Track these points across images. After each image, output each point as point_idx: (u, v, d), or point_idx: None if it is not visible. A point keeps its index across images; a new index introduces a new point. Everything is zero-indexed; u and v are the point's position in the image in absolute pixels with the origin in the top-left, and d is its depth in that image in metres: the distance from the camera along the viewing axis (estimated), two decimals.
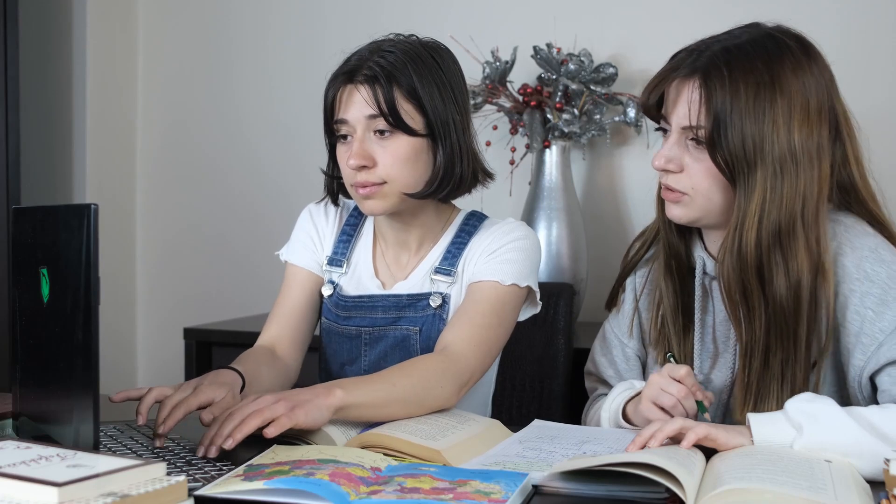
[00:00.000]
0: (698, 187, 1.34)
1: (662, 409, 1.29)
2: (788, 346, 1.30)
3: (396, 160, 1.46)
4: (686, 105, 1.32)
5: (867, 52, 2.35)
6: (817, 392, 1.32)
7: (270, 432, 1.19)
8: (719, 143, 1.29)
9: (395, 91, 1.44)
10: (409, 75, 1.44)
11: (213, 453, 1.18)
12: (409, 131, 1.45)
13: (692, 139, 1.33)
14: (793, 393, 1.30)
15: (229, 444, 1.17)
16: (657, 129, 1.42)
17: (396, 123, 1.44)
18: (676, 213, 1.38)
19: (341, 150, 1.50)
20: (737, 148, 1.28)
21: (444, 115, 1.48)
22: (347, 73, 1.47)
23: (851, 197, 1.37)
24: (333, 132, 1.51)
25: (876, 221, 1.37)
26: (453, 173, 1.50)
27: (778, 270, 1.29)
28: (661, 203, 1.44)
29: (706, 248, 1.44)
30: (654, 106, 1.40)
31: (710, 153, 1.30)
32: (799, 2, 2.37)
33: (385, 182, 1.47)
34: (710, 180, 1.32)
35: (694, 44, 1.36)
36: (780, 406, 1.29)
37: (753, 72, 1.28)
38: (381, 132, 1.46)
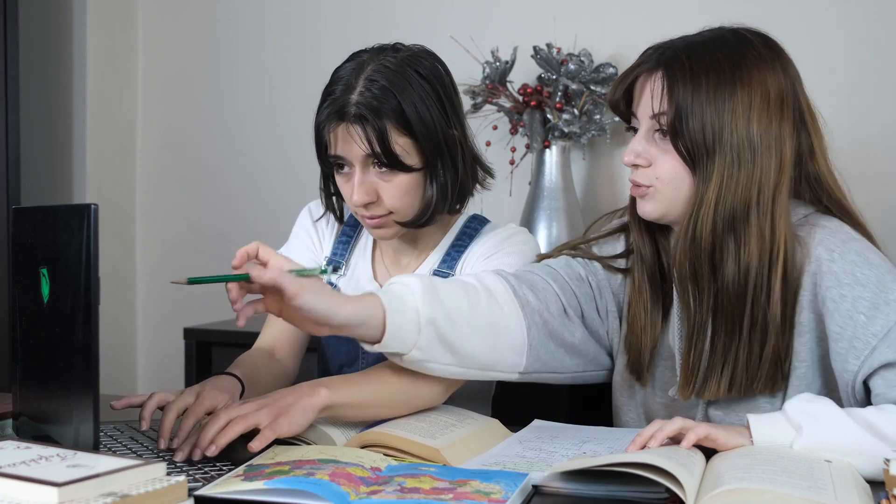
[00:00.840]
0: (663, 178, 1.35)
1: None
2: (733, 329, 1.32)
3: (400, 192, 1.45)
4: (650, 95, 1.35)
5: (870, 53, 2.35)
6: (799, 388, 1.33)
7: (255, 446, 1.18)
8: (680, 131, 1.31)
9: (388, 127, 1.41)
10: (399, 107, 1.41)
11: (196, 456, 1.18)
12: (408, 169, 1.44)
13: (658, 130, 1.35)
14: (734, 376, 1.33)
15: (212, 451, 1.17)
16: (627, 129, 1.45)
17: (393, 164, 1.42)
18: (646, 208, 1.39)
19: (341, 179, 1.49)
20: (696, 135, 1.31)
21: (440, 137, 1.45)
22: (337, 113, 1.43)
23: (821, 187, 1.39)
24: (328, 162, 1.49)
25: (845, 211, 1.39)
26: (456, 190, 1.50)
27: (729, 256, 1.31)
28: (633, 205, 1.45)
29: None
30: (623, 102, 1.42)
31: (671, 140, 1.33)
32: (800, 3, 2.38)
33: (392, 212, 1.47)
34: (676, 170, 1.34)
35: (660, 42, 1.39)
36: (721, 388, 1.33)
37: (714, 64, 1.32)
38: (380, 165, 1.44)
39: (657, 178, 1.36)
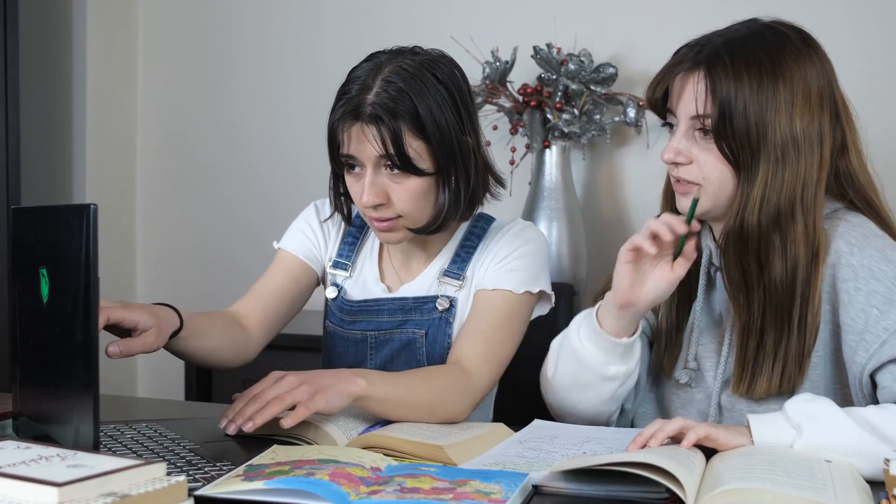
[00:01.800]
0: (709, 177, 1.35)
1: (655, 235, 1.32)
2: (782, 326, 1.33)
3: (410, 196, 1.44)
4: (692, 95, 1.34)
5: (874, 53, 2.35)
6: (812, 377, 1.34)
7: (287, 423, 1.22)
8: (724, 131, 1.31)
9: (403, 129, 1.40)
10: (414, 109, 1.40)
11: (231, 430, 1.25)
12: (420, 173, 1.43)
13: (699, 129, 1.34)
14: (784, 372, 1.33)
15: (249, 427, 1.23)
16: (664, 125, 1.44)
17: (406, 167, 1.42)
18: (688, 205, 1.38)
19: (351, 179, 1.48)
20: (741, 135, 1.30)
21: (454, 143, 1.45)
22: (352, 112, 1.42)
23: (848, 183, 1.39)
24: (339, 161, 1.48)
25: (872, 208, 1.39)
26: (468, 198, 1.49)
27: (776, 253, 1.32)
28: (666, 197, 1.45)
29: (715, 239, 1.45)
30: (660, 101, 1.41)
31: (715, 141, 1.33)
32: (800, 3, 2.37)
33: (400, 216, 1.46)
34: (720, 169, 1.34)
35: (696, 38, 1.38)
36: (772, 385, 1.33)
37: (756, 61, 1.31)
38: (392, 167, 1.43)
39: (704, 177, 1.35)
